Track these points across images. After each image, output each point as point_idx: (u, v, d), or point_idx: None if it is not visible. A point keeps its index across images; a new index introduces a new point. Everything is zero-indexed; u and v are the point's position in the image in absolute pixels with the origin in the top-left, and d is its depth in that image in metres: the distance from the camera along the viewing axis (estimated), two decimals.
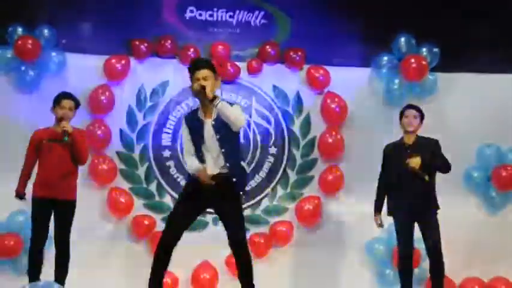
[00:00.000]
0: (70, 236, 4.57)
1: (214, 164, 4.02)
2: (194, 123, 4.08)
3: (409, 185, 4.65)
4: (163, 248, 4.04)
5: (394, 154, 4.81)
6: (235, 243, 4.06)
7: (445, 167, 4.71)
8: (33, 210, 4.53)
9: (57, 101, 4.61)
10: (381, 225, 4.96)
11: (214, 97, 3.92)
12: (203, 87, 3.92)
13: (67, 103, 4.59)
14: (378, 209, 4.94)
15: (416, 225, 4.78)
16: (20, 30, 5.58)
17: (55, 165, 4.52)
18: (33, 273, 4.48)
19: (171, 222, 4.09)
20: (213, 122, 4.03)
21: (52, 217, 4.55)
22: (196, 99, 4.15)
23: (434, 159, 4.66)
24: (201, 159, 4.05)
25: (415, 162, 4.57)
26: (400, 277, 4.82)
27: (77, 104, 4.69)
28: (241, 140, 4.29)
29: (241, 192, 4.12)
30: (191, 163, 4.08)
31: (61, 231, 4.54)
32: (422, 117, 4.82)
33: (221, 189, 4.01)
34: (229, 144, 4.04)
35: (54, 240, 4.56)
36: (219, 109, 3.91)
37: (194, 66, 4.05)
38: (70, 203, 4.58)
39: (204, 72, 3.99)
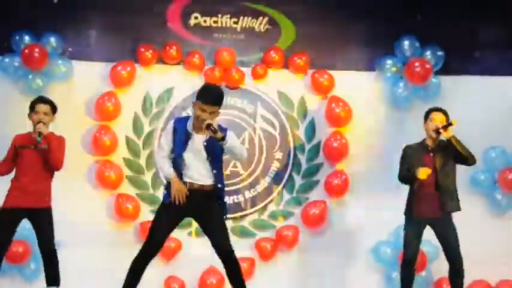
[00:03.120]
0: (54, 242, 4.51)
1: (196, 174, 4.06)
2: (183, 133, 4.08)
3: (427, 187, 4.68)
4: (145, 260, 4.09)
5: (416, 156, 4.79)
6: (229, 252, 4.07)
7: (472, 156, 4.71)
8: (1, 218, 4.44)
9: (32, 106, 4.54)
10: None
11: (223, 137, 3.97)
12: (209, 126, 3.94)
13: (42, 108, 4.50)
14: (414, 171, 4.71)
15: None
16: (26, 38, 5.63)
17: (29, 172, 4.46)
18: None
19: (155, 235, 4.10)
20: (205, 143, 4.07)
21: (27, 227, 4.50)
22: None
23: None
24: (182, 164, 4.07)
25: (424, 173, 4.60)
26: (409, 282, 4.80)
27: (54, 109, 4.58)
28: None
29: (223, 204, 4.21)
30: (166, 169, 4.11)
31: (44, 240, 4.48)
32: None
33: (206, 201, 4.07)
34: (217, 161, 4.13)
35: (39, 250, 4.50)
36: (227, 147, 4.02)
37: (206, 98, 4.03)
38: (45, 210, 4.50)
39: (214, 108, 4.03)
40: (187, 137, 4.08)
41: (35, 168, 4.47)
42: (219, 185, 4.12)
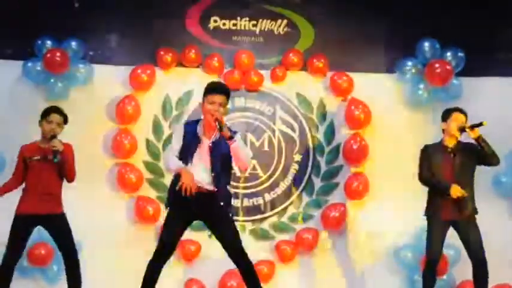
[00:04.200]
0: (75, 245, 4.54)
1: (200, 178, 4.02)
2: (193, 137, 4.07)
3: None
4: (159, 263, 4.10)
5: (435, 157, 4.76)
6: (237, 252, 4.05)
7: (496, 156, 4.70)
8: (14, 227, 4.44)
9: (45, 114, 4.49)
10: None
11: (231, 137, 3.96)
12: (218, 121, 3.92)
13: (55, 118, 4.47)
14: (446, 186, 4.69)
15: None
16: (48, 43, 5.69)
17: (43, 183, 4.44)
18: None
19: (166, 237, 4.12)
20: (210, 144, 4.06)
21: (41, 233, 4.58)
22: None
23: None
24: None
25: (457, 191, 4.59)
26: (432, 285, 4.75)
27: (66, 120, 4.57)
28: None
29: (229, 211, 4.15)
30: (174, 161, 4.03)
31: (65, 243, 4.51)
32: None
33: (208, 204, 4.03)
34: (221, 168, 4.08)
35: (62, 254, 4.53)
36: (233, 148, 3.97)
37: (213, 89, 4.06)
38: (59, 216, 4.52)
39: (222, 98, 4.02)
40: (197, 141, 4.07)
41: (46, 178, 4.47)
42: (217, 189, 4.06)
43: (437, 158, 4.75)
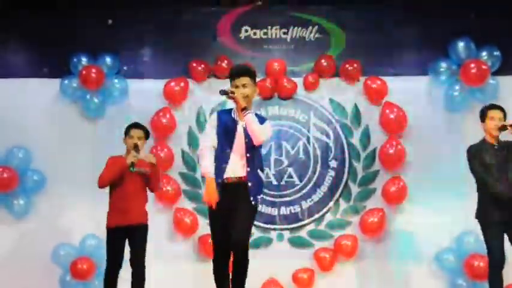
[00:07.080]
0: (145, 258, 4.66)
1: (236, 166, 4.00)
2: (228, 122, 4.06)
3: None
4: (223, 263, 4.10)
5: (483, 156, 4.65)
6: (236, 246, 3.98)
7: None
8: (108, 239, 4.65)
9: (127, 131, 4.77)
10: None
11: (245, 107, 3.93)
12: (223, 91, 3.95)
13: (136, 132, 4.73)
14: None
15: None
16: (84, 59, 5.81)
17: (128, 193, 4.64)
18: None
19: (217, 236, 4.08)
20: (244, 126, 4.01)
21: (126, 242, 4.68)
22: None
23: None
24: (226, 157, 4.01)
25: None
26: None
27: (147, 134, 4.82)
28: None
29: (254, 200, 4.02)
30: (208, 162, 4.01)
31: (138, 255, 4.63)
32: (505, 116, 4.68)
33: (238, 192, 3.98)
34: (253, 151, 4.03)
35: (131, 264, 4.63)
36: (245, 120, 3.93)
37: (235, 73, 4.05)
38: (143, 227, 4.70)
39: (244, 79, 4.00)
40: (235, 125, 4.03)
41: (132, 188, 4.66)
42: (249, 182, 3.99)
43: (484, 157, 4.64)
